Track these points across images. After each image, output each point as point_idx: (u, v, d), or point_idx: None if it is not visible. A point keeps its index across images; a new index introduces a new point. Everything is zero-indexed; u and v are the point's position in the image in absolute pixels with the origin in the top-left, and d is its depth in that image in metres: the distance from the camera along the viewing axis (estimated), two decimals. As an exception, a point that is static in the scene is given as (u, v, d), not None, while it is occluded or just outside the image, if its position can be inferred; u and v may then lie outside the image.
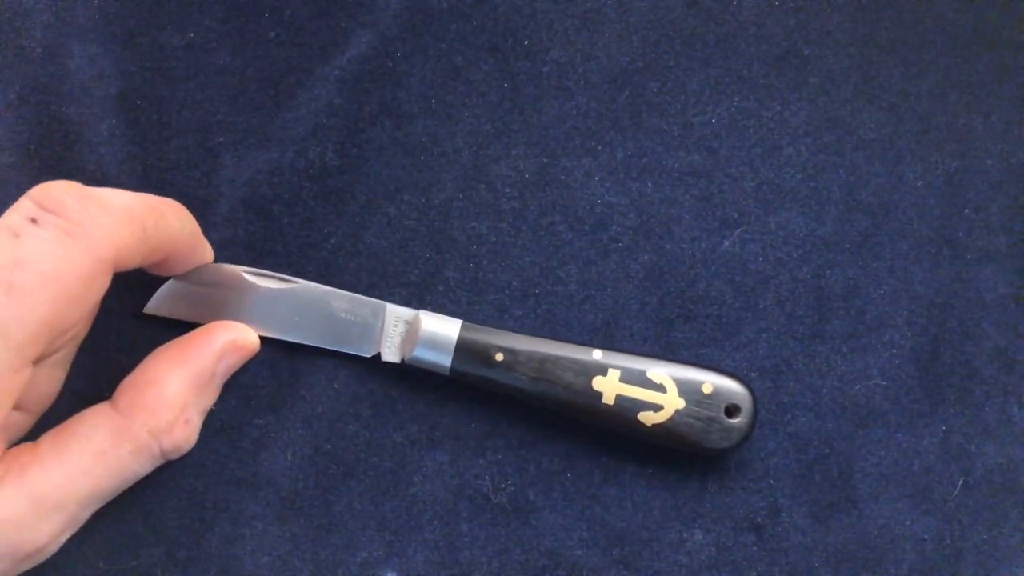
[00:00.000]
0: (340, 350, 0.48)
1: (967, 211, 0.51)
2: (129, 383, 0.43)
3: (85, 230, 0.37)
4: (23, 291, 0.36)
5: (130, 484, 0.42)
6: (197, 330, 0.45)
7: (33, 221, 0.37)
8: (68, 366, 0.45)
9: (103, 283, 0.39)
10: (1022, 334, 0.50)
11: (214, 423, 0.48)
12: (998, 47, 0.52)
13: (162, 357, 0.44)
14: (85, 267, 0.37)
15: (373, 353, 0.48)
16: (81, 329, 0.44)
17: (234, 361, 0.45)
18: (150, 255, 0.42)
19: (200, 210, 0.49)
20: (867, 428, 0.49)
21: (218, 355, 0.44)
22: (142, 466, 0.42)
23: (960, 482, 0.49)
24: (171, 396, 0.42)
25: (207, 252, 0.47)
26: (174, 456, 0.43)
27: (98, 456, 0.40)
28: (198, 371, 0.43)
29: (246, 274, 0.47)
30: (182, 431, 0.42)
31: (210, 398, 0.45)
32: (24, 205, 0.37)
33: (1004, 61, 0.52)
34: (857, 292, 0.50)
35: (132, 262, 0.40)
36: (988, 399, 0.50)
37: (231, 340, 0.45)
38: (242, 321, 0.47)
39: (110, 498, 0.42)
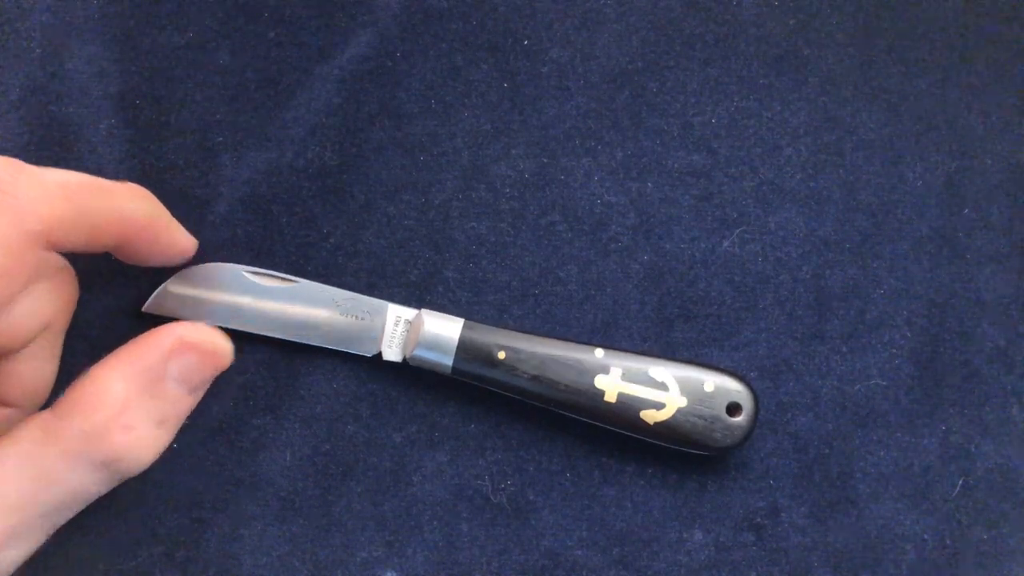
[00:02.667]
0: (341, 350, 0.48)
1: (967, 211, 0.51)
2: (72, 386, 0.38)
3: (14, 200, 0.36)
4: None
5: (77, 501, 0.37)
6: (155, 329, 0.40)
7: None
8: (55, 361, 0.44)
9: (35, 258, 0.37)
10: (1022, 334, 0.50)
11: (212, 423, 0.48)
12: (998, 47, 0.52)
13: (109, 357, 0.39)
14: (12, 238, 0.36)
15: (374, 353, 0.48)
16: (55, 321, 0.43)
17: (191, 363, 0.40)
18: (96, 235, 0.40)
19: (199, 210, 0.49)
20: (867, 428, 0.49)
21: (167, 353, 0.39)
22: (79, 476, 0.36)
23: (960, 482, 0.49)
24: (108, 395, 0.37)
25: (181, 240, 0.45)
26: (124, 469, 0.37)
27: (25, 459, 0.36)
28: (142, 369, 0.38)
29: (246, 273, 0.47)
30: (122, 437, 0.37)
31: (167, 405, 0.39)
32: None
33: (1004, 61, 0.52)
34: (857, 292, 0.50)
35: (72, 240, 0.38)
36: (988, 399, 0.50)
37: (181, 336, 0.39)
38: (241, 321, 0.47)
39: (56, 515, 0.37)
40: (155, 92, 0.50)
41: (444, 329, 0.47)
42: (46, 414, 0.37)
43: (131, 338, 0.48)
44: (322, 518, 0.48)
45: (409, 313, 0.48)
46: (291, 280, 0.48)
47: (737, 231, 0.50)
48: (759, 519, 0.48)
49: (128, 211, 0.41)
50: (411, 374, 0.48)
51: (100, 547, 0.47)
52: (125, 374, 0.38)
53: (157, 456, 0.39)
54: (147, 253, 0.44)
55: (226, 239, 0.49)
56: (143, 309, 0.47)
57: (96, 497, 0.38)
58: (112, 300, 0.48)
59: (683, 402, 0.46)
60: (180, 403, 0.40)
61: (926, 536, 0.49)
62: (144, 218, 0.42)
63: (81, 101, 0.49)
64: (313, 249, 0.49)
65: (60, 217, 0.37)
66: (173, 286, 0.47)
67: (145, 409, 0.38)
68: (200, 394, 0.41)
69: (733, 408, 0.46)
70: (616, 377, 0.46)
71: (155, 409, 0.38)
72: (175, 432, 0.40)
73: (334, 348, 0.48)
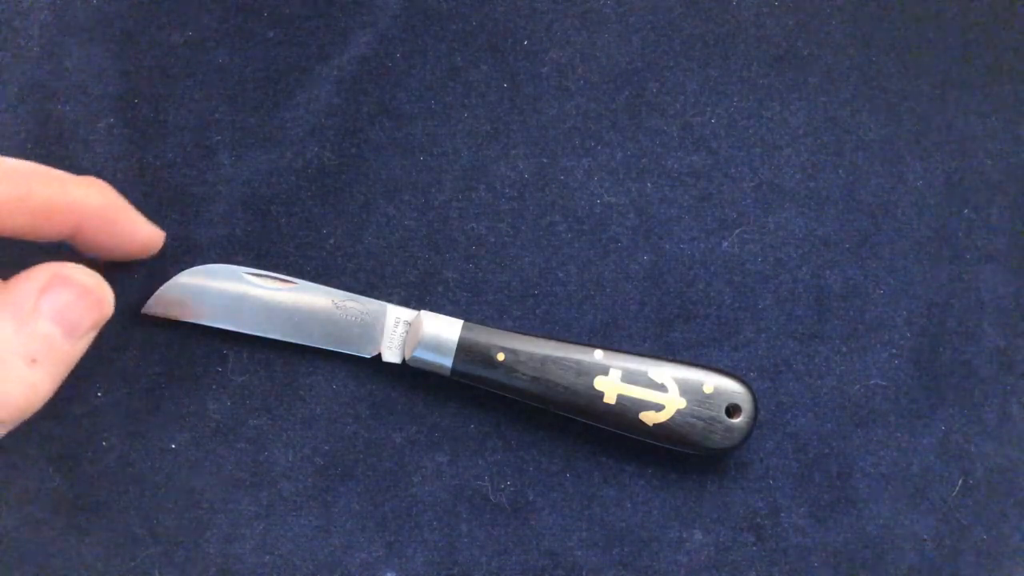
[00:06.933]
0: (341, 351, 0.48)
1: (967, 211, 0.51)
2: None
3: None
4: None
5: None
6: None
7: None
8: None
9: None
10: (1022, 334, 0.50)
11: (211, 423, 0.48)
12: (998, 47, 0.52)
13: None
14: None
15: (374, 354, 0.48)
16: None
17: (66, 301, 0.38)
18: (41, 220, 0.39)
19: (197, 209, 0.49)
20: (866, 428, 0.49)
21: (40, 286, 0.37)
22: None
23: (959, 482, 0.49)
24: None
25: (143, 231, 0.45)
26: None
27: None
28: (13, 301, 0.36)
29: (245, 274, 0.47)
30: None
31: (40, 344, 0.37)
32: None
33: (1004, 61, 0.52)
34: (856, 292, 0.50)
35: (13, 223, 0.38)
36: (987, 399, 0.50)
37: (56, 272, 0.37)
38: (241, 322, 0.47)
39: None
40: (154, 91, 0.50)
41: (443, 330, 0.47)
42: None
43: (132, 340, 0.48)
44: (322, 518, 0.48)
45: (409, 314, 0.48)
46: (290, 281, 0.48)
47: (737, 231, 0.50)
48: (759, 519, 0.49)
49: (77, 198, 0.40)
50: (411, 374, 0.48)
51: (100, 547, 0.47)
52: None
53: (33, 403, 0.37)
54: (105, 244, 0.44)
55: (225, 239, 0.49)
56: (143, 311, 0.47)
57: None
58: (116, 304, 0.47)
59: (682, 403, 0.46)
60: (56, 345, 0.37)
61: (926, 536, 0.49)
62: (96, 207, 0.41)
63: (80, 100, 0.49)
64: (312, 249, 0.49)
65: (2, 199, 0.37)
66: (172, 287, 0.47)
67: (16, 344, 0.36)
68: (81, 343, 0.39)
69: (732, 409, 0.46)
70: (615, 378, 0.46)
71: (27, 346, 0.36)
72: (56, 381, 0.38)
73: (333, 349, 0.48)
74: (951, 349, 0.50)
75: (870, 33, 0.52)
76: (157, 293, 0.47)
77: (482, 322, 0.48)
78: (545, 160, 0.50)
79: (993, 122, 0.52)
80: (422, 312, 0.47)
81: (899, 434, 0.49)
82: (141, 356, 0.48)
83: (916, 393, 0.50)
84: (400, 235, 0.50)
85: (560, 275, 0.50)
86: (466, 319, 0.47)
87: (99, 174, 0.48)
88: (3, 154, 0.48)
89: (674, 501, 0.48)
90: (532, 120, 0.51)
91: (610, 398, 0.46)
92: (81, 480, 0.47)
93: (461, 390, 0.48)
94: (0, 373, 0.36)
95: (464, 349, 0.47)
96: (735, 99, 0.51)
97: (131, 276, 0.48)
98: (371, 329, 0.48)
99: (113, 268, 0.47)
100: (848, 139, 0.51)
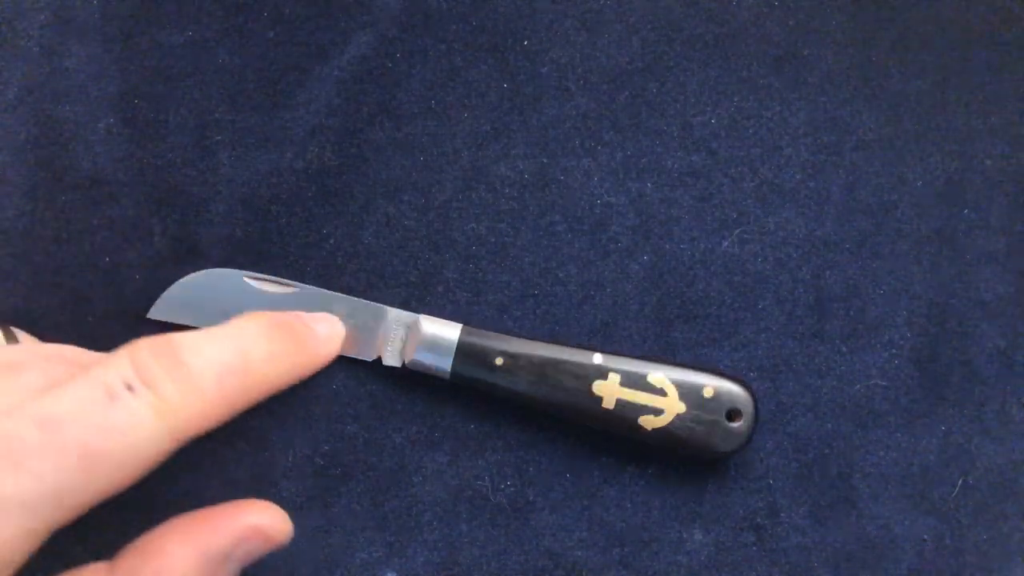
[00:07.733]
0: (341, 354, 0.48)
1: (967, 211, 0.51)
2: (134, 547, 0.37)
3: (174, 412, 0.35)
4: (97, 460, 0.33)
5: None
6: (225, 505, 0.39)
7: (129, 388, 0.34)
8: None
9: (170, 454, 0.36)
10: (1022, 334, 0.50)
11: (213, 423, 0.48)
12: (998, 47, 0.52)
13: (176, 526, 0.38)
14: (164, 446, 0.35)
15: (374, 357, 0.48)
16: None
17: (257, 548, 0.39)
18: (243, 407, 0.39)
19: (197, 209, 0.49)
20: (866, 428, 0.49)
21: (237, 538, 0.38)
22: None
23: (960, 482, 0.49)
24: (172, 572, 0.36)
25: (324, 351, 0.44)
26: None
27: None
28: (209, 550, 0.37)
29: (247, 279, 0.47)
30: None
31: None
32: (122, 365, 0.35)
33: (1004, 61, 0.52)
34: (857, 292, 0.50)
35: (213, 426, 0.37)
36: (988, 399, 0.50)
37: (255, 525, 0.39)
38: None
39: None
40: (154, 91, 0.50)
41: (443, 334, 0.47)
42: (102, 568, 0.36)
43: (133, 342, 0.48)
44: (322, 518, 0.48)
45: (408, 318, 0.48)
46: (291, 285, 0.48)
47: (737, 231, 0.50)
48: (759, 519, 0.49)
49: (277, 374, 0.40)
50: (411, 375, 0.48)
51: (100, 547, 0.47)
52: (191, 552, 0.37)
53: None
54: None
55: (225, 239, 0.49)
56: (148, 315, 0.47)
57: None
58: (116, 304, 0.48)
59: (682, 408, 0.46)
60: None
61: (926, 536, 0.49)
62: (293, 368, 0.41)
63: (80, 100, 0.49)
64: (313, 250, 0.49)
65: (210, 418, 0.37)
66: (176, 292, 0.47)
67: None
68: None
69: (733, 413, 0.46)
70: (614, 383, 0.46)
71: None
72: None
73: (334, 352, 0.48)
74: (951, 349, 0.50)
75: (870, 33, 0.52)
76: (161, 298, 0.47)
77: (482, 323, 0.48)
78: (545, 160, 0.50)
79: (993, 122, 0.52)
80: (422, 316, 0.47)
81: (899, 434, 0.49)
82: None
83: (916, 393, 0.50)
84: (400, 235, 0.50)
85: (560, 275, 0.50)
86: (466, 319, 0.47)
87: (99, 174, 0.49)
88: (2, 154, 0.48)
89: (674, 501, 0.49)
90: (532, 120, 0.51)
91: (609, 403, 0.46)
92: (82, 481, 0.47)
93: (461, 390, 0.48)
94: None
95: (463, 353, 0.47)
96: (735, 99, 0.51)
97: (134, 280, 0.48)
98: (371, 333, 0.48)
99: (114, 272, 0.48)
100: (848, 139, 0.51)
